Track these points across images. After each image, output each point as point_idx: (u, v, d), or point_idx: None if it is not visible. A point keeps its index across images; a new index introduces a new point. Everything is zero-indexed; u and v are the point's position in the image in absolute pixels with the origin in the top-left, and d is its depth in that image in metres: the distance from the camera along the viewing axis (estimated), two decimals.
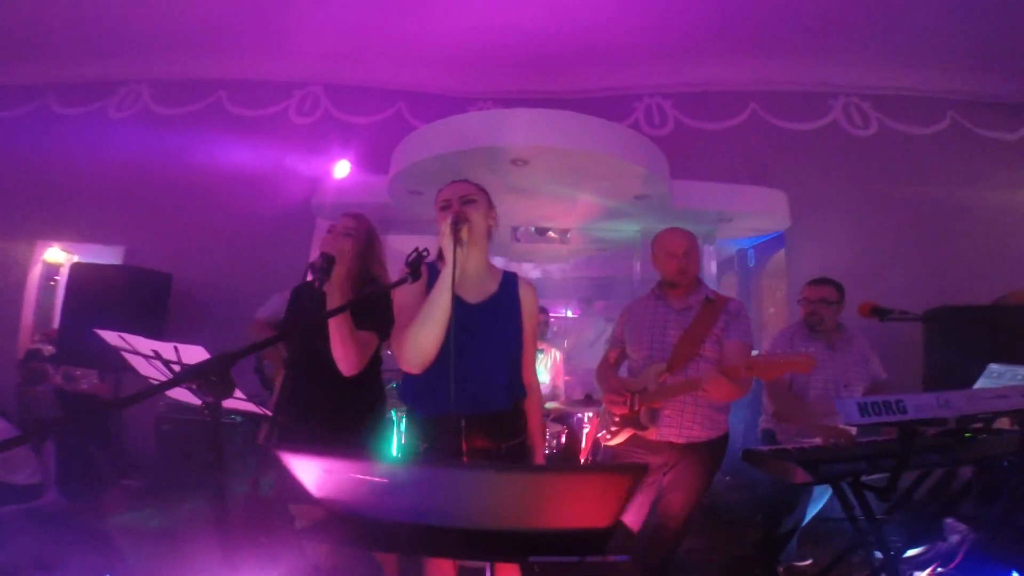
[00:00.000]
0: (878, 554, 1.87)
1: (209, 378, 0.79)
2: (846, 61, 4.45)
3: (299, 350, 1.82)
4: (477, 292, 1.54)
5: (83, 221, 4.79)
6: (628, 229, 4.74)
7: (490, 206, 1.59)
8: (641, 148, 3.21)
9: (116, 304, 3.77)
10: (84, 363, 4.10)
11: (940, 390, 1.82)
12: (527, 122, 2.81)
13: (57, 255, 5.13)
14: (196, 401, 1.37)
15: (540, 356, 3.61)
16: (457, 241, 1.35)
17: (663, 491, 2.09)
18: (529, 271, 5.99)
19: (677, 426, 2.00)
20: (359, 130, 4.93)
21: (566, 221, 4.60)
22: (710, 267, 4.67)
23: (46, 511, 2.52)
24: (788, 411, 2.64)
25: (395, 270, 2.05)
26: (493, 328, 1.51)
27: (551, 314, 4.79)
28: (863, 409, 1.69)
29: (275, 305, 3.47)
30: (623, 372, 2.44)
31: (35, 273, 4.88)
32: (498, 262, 1.93)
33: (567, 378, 3.99)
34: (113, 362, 3.70)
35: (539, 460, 1.62)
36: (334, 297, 1.57)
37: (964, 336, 3.27)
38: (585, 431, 3.02)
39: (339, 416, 1.78)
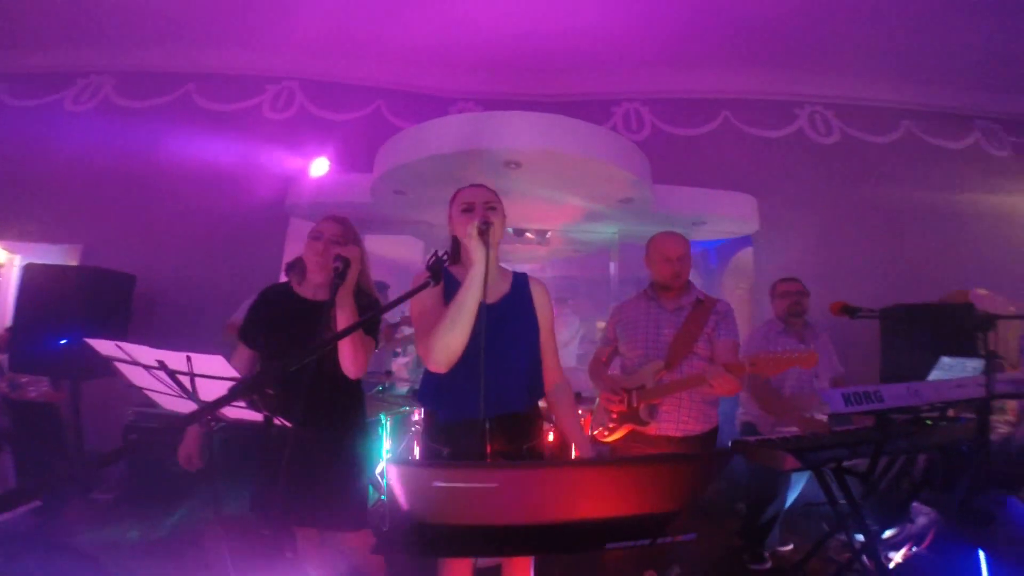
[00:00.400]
0: (859, 537, 2.00)
1: (265, 391, 0.78)
2: (811, 73, 4.71)
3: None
4: (492, 293, 1.56)
5: (32, 219, 4.47)
6: (606, 231, 4.84)
7: (503, 212, 1.62)
8: (630, 153, 3.29)
9: (74, 307, 3.55)
10: (39, 370, 3.85)
11: (905, 382, 1.99)
12: (522, 125, 2.84)
13: None
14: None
15: None
16: (485, 244, 1.37)
17: None
18: None
19: (675, 420, 2.08)
20: (336, 127, 4.83)
21: (547, 223, 4.65)
22: None
23: (10, 529, 2.36)
24: (771, 404, 2.79)
25: (376, 272, 2.03)
26: (510, 328, 1.53)
27: None
28: (847, 399, 1.82)
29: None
30: (614, 370, 2.52)
31: None
32: None
33: None
34: (71, 369, 3.53)
35: (584, 453, 1.62)
36: (346, 302, 1.54)
37: (916, 332, 3.54)
38: None
39: (337, 418, 1.77)
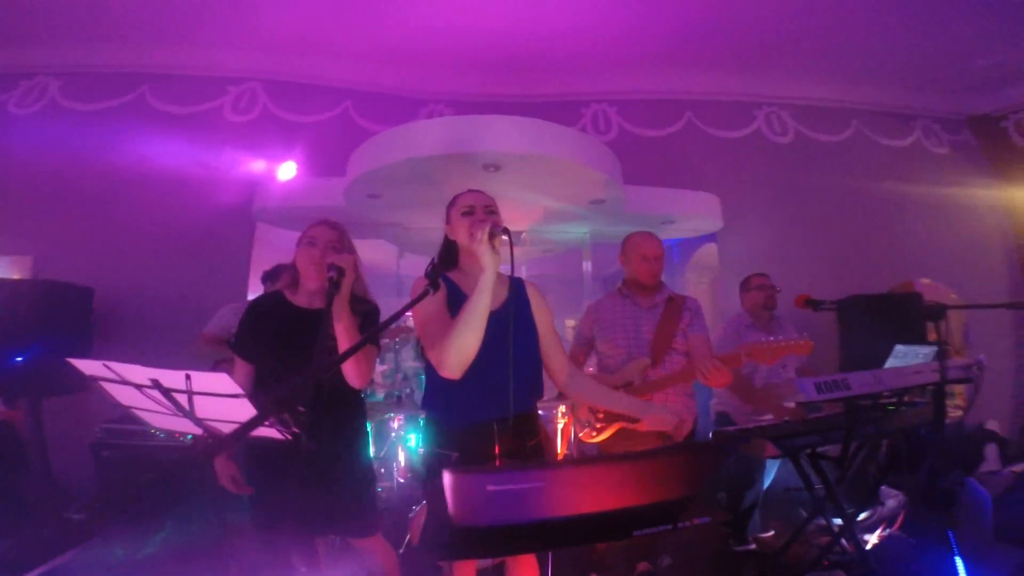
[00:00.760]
0: (837, 520, 2.14)
1: (297, 409, 0.78)
2: (768, 75, 4.94)
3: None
4: (494, 298, 1.58)
5: None
6: (577, 231, 4.93)
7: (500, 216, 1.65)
8: (603, 155, 3.38)
9: (30, 323, 3.34)
10: None
11: (862, 370, 2.13)
12: (506, 129, 2.88)
13: None
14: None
15: None
16: (493, 249, 1.39)
17: None
18: None
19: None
20: (303, 129, 4.71)
21: (520, 223, 4.70)
22: None
23: None
24: (749, 394, 2.93)
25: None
26: (513, 331, 1.56)
27: None
28: (818, 387, 1.95)
29: (224, 319, 3.26)
30: (589, 369, 2.59)
31: None
32: None
33: None
34: (28, 387, 3.32)
35: (636, 411, 1.72)
36: (342, 314, 1.53)
37: (870, 321, 3.78)
38: (560, 427, 3.15)
39: (345, 427, 1.77)
